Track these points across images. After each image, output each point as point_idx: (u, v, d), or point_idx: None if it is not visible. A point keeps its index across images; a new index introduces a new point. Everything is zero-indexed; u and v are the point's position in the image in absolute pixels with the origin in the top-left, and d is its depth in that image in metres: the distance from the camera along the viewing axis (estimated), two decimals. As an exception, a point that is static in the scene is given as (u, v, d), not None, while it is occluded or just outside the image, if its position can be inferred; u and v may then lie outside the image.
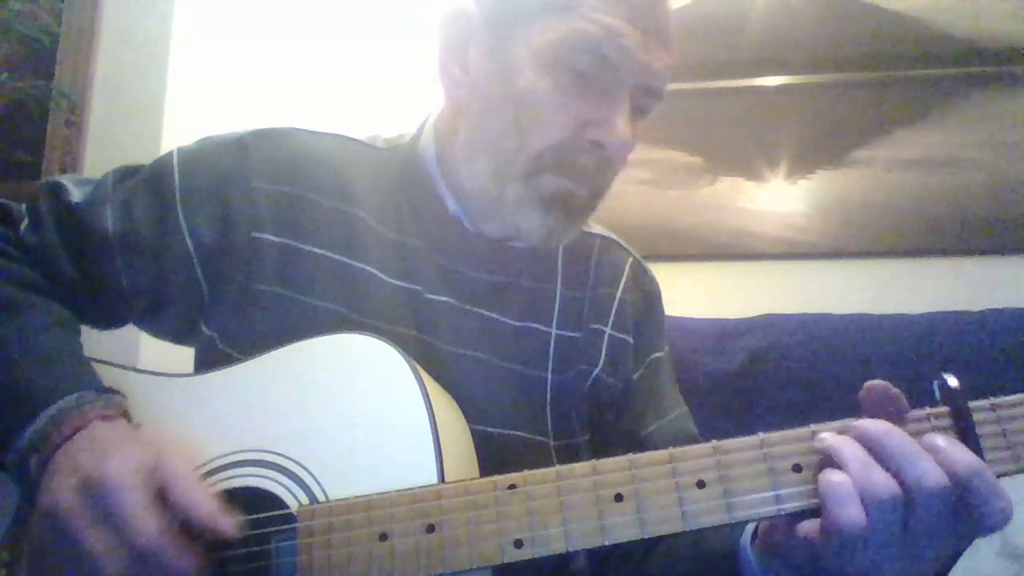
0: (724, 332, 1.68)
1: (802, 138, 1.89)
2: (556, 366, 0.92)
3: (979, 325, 1.58)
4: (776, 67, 1.92)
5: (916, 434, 0.62)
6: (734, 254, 1.90)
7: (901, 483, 0.59)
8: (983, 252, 1.79)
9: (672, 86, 0.85)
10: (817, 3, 1.91)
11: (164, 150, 0.96)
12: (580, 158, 0.82)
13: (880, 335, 1.60)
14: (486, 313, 0.90)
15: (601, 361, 0.95)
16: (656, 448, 0.92)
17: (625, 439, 0.95)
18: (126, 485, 0.61)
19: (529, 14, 0.81)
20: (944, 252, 1.81)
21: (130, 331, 0.93)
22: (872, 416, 0.64)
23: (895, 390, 0.64)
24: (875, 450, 0.61)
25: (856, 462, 0.60)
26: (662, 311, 1.06)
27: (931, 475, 0.58)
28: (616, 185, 0.89)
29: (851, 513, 0.59)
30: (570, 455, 0.91)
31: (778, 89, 1.92)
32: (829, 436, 0.63)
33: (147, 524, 0.61)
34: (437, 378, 0.80)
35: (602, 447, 0.95)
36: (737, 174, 1.92)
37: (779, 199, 1.89)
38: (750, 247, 1.89)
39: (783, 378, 1.60)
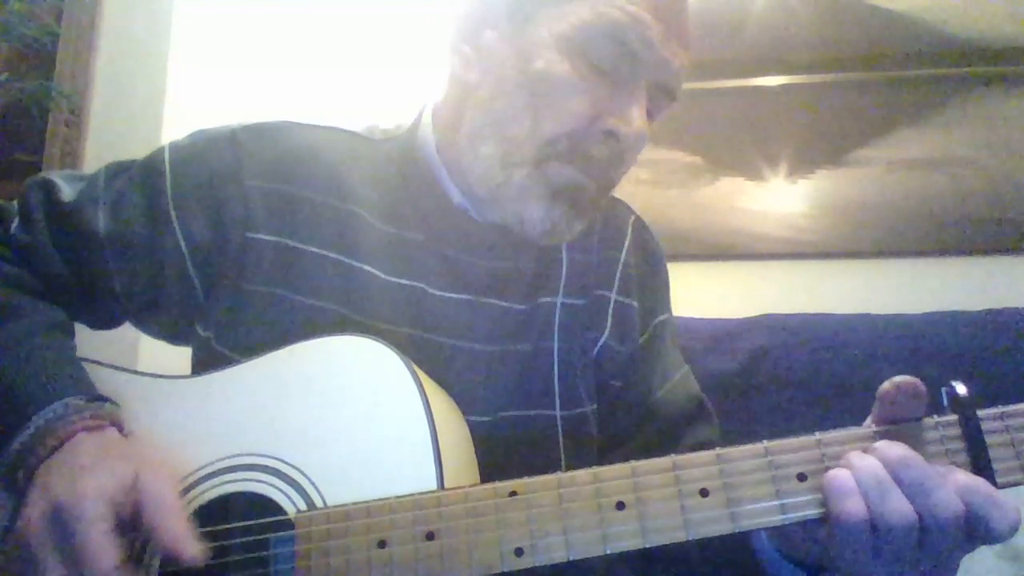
0: (724, 332, 1.67)
1: (802, 138, 1.89)
2: (562, 335, 0.90)
3: (979, 325, 1.58)
4: (776, 67, 1.92)
5: (925, 442, 0.62)
6: (734, 254, 1.89)
7: (917, 512, 0.58)
8: (983, 252, 1.79)
9: (674, 85, 0.84)
10: (817, 3, 1.90)
11: (163, 150, 0.94)
12: (593, 148, 0.80)
13: (880, 335, 1.60)
14: (495, 302, 0.88)
15: (608, 328, 0.93)
16: (664, 413, 0.94)
17: (633, 406, 0.94)
18: (90, 514, 0.60)
19: None
20: (944, 252, 1.80)
21: (130, 331, 0.93)
22: (885, 413, 0.63)
23: (923, 388, 0.62)
24: (891, 475, 0.60)
25: (875, 490, 0.59)
26: (666, 271, 1.03)
27: (945, 505, 0.58)
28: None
29: (850, 505, 0.59)
30: (577, 426, 0.89)
31: (778, 89, 1.91)
32: (853, 457, 0.61)
33: (104, 557, 0.59)
34: (439, 374, 0.80)
35: (608, 415, 0.93)
36: (737, 174, 1.91)
37: (779, 199, 1.89)
38: (750, 247, 1.88)
39: (783, 378, 1.59)
